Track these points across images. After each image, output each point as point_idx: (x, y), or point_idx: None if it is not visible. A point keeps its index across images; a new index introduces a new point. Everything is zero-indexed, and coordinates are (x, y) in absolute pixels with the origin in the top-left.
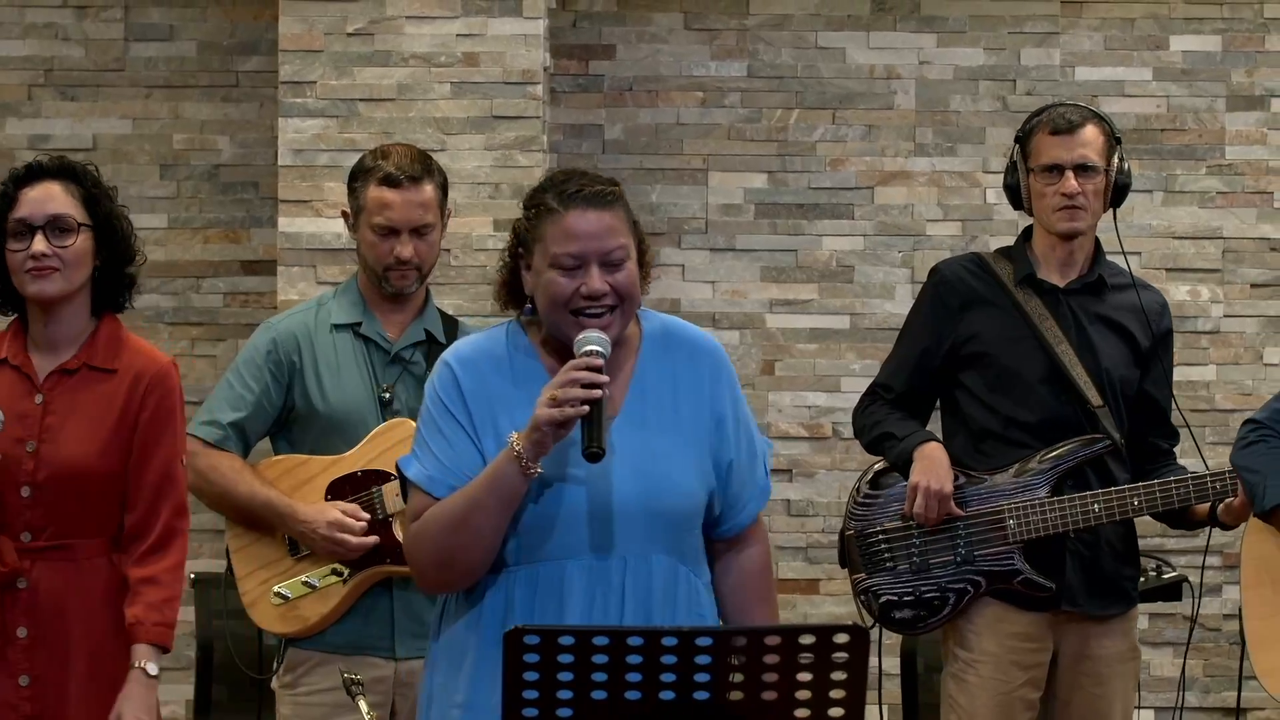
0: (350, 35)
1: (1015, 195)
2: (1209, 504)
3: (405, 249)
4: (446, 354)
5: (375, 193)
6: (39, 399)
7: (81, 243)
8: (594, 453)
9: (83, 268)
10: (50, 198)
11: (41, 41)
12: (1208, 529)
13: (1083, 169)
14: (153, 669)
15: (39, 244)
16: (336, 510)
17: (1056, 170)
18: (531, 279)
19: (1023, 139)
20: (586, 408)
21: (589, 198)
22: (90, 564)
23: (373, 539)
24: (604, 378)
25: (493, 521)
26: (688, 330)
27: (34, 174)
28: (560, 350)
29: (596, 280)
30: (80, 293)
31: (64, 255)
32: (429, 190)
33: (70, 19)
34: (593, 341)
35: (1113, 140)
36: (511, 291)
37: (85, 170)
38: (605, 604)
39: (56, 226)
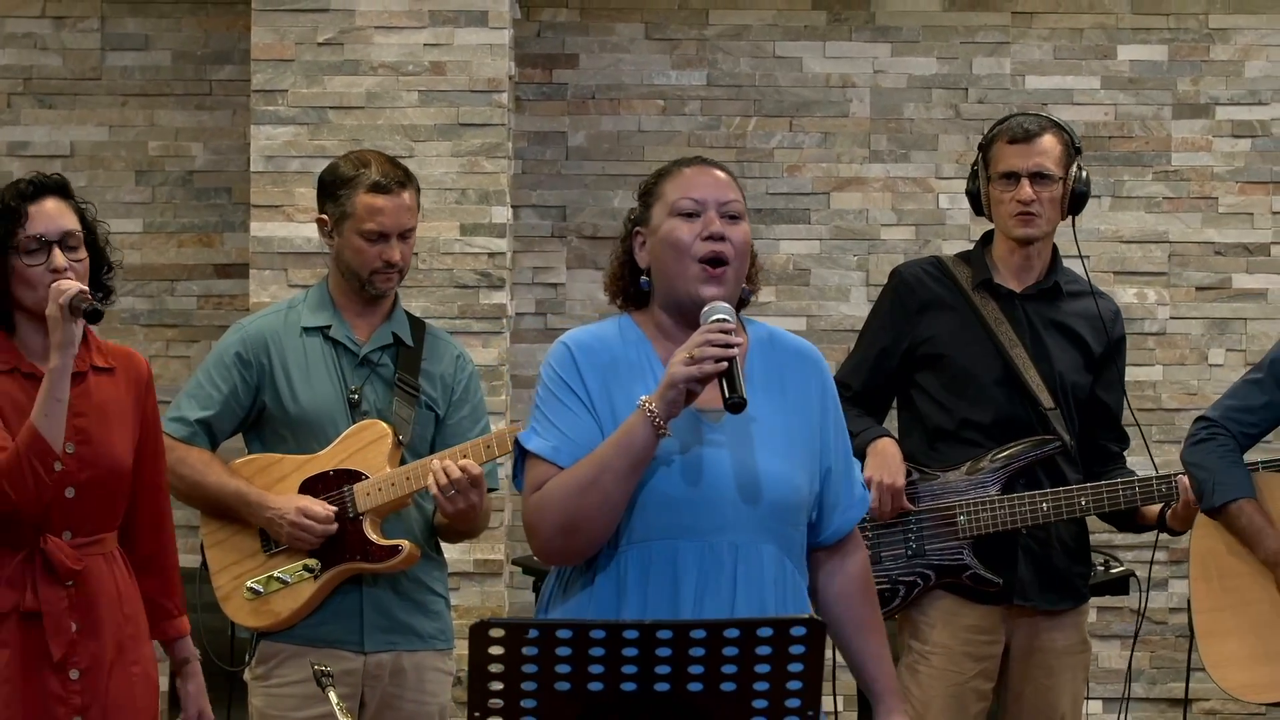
0: (320, 45)
1: (976, 201)
2: (1158, 509)
3: (394, 252)
4: (563, 337)
5: (365, 199)
6: None
7: (84, 256)
8: (736, 402)
9: (84, 280)
10: (61, 214)
11: (20, 51)
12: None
13: (1039, 177)
14: (197, 654)
15: (59, 259)
16: (305, 499)
17: (1013, 178)
18: (650, 245)
19: (984, 147)
20: (724, 364)
21: (706, 159)
22: (111, 555)
23: (333, 527)
24: (738, 338)
25: (621, 484)
26: (794, 338)
27: (40, 191)
28: (674, 330)
29: (716, 222)
30: None
31: (77, 270)
32: (410, 195)
33: (48, 29)
34: (720, 310)
35: (1072, 149)
36: (620, 281)
37: (72, 186)
38: (718, 587)
39: (69, 243)
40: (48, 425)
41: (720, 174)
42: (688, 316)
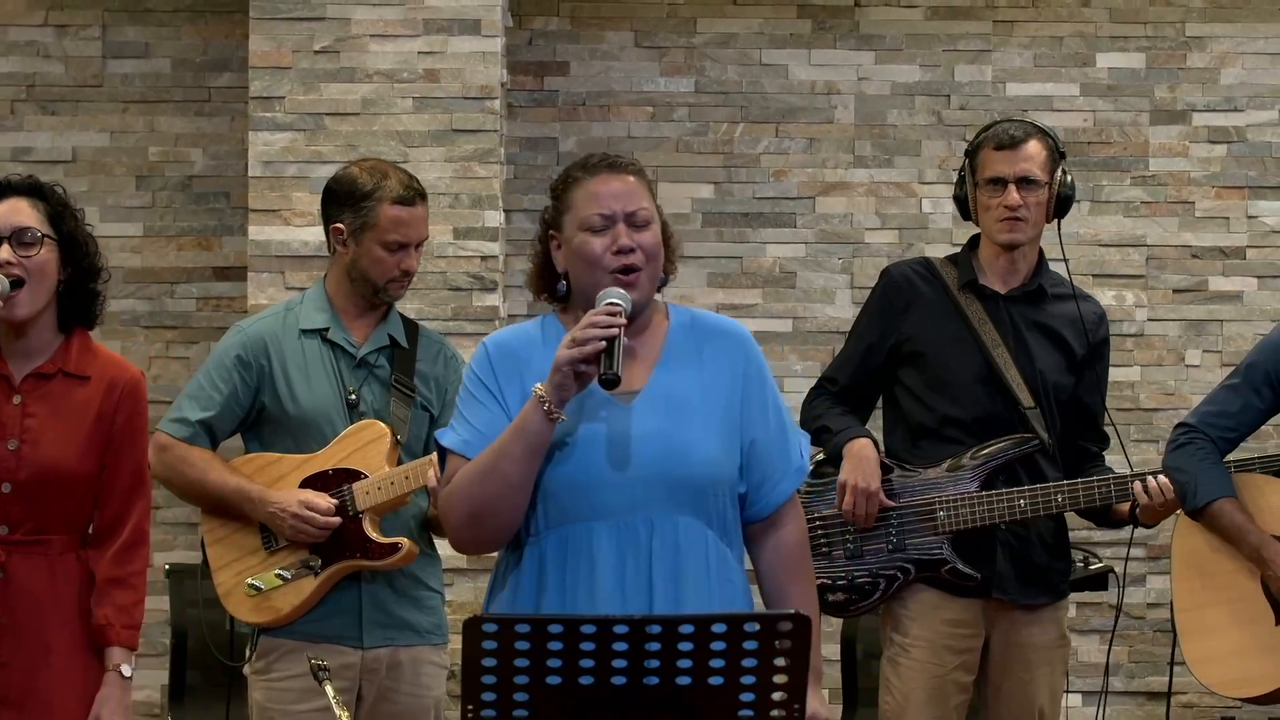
0: (317, 53)
1: (964, 207)
2: (1130, 505)
3: (413, 262)
4: (485, 339)
5: (390, 211)
6: (17, 400)
7: (44, 254)
8: (609, 379)
9: (46, 279)
10: (16, 212)
11: (23, 58)
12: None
13: (1025, 182)
14: (127, 670)
15: (4, 253)
16: (307, 493)
17: (1000, 183)
18: (564, 252)
19: (971, 154)
20: (604, 344)
21: (611, 165)
22: (62, 558)
23: (335, 520)
24: (620, 320)
25: (520, 469)
26: (716, 318)
27: (3, 191)
28: None
29: (625, 235)
30: (47, 306)
31: (28, 264)
32: (426, 207)
33: (51, 37)
34: (613, 295)
35: (1056, 155)
36: (543, 279)
37: (52, 190)
38: (636, 564)
39: (20, 238)
40: None
41: (628, 179)
42: None
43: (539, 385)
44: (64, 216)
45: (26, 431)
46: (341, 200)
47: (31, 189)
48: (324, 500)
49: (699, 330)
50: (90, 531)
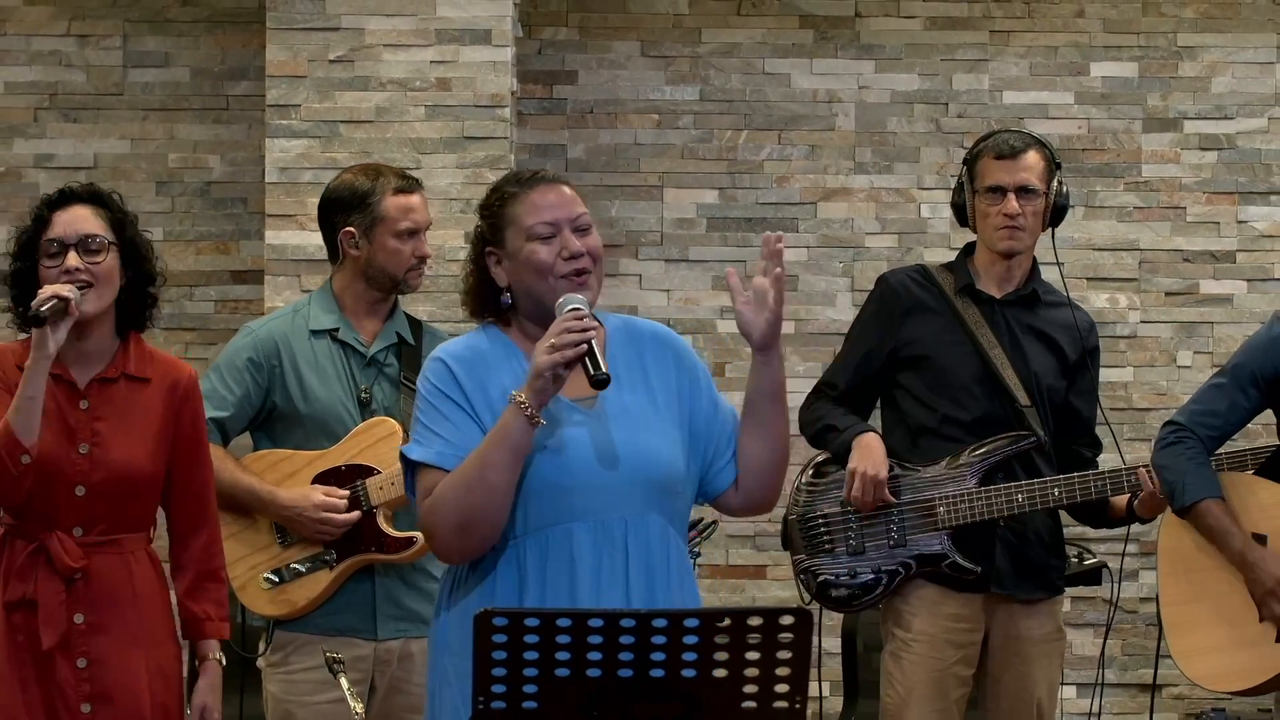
0: (332, 62)
1: (961, 213)
2: (1127, 500)
3: (425, 246)
4: (436, 351)
5: (396, 200)
6: (84, 405)
7: (110, 260)
8: (601, 378)
9: (112, 284)
10: (81, 219)
11: (46, 68)
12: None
13: (1023, 191)
14: (223, 659)
15: (73, 259)
16: (319, 493)
17: (999, 192)
18: (508, 266)
19: (970, 162)
20: (584, 347)
21: (546, 178)
22: (134, 556)
23: (355, 515)
24: (591, 322)
25: (505, 476)
26: (647, 323)
27: (65, 199)
28: (540, 336)
29: (573, 241)
30: (109, 309)
31: (95, 271)
32: (424, 195)
33: (73, 47)
34: (574, 301)
35: (1053, 165)
36: (479, 299)
37: (111, 196)
38: (612, 563)
39: (87, 246)
40: (17, 420)
41: (565, 190)
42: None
43: (516, 392)
44: (125, 223)
45: (96, 435)
46: (346, 205)
47: (94, 196)
48: (338, 499)
49: (635, 336)
50: (170, 527)
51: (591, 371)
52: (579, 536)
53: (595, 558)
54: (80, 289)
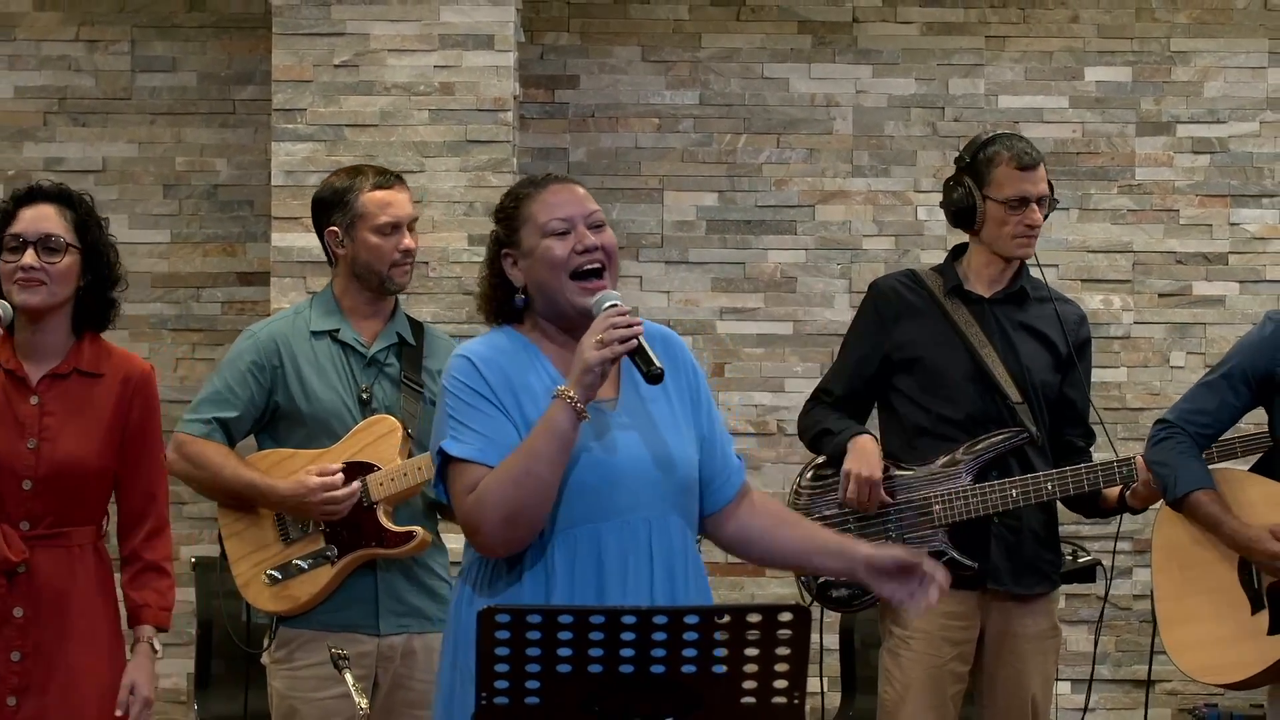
0: (337, 66)
1: (966, 215)
2: (1119, 491)
3: (409, 240)
4: (459, 350)
5: (372, 196)
6: (34, 400)
7: (68, 262)
8: (656, 373)
9: (66, 284)
10: (45, 218)
11: (56, 72)
12: (1118, 516)
13: (1041, 201)
14: (157, 645)
15: (29, 258)
16: (313, 476)
17: (1024, 202)
18: (524, 265)
19: (979, 167)
20: (634, 342)
21: (558, 178)
22: (81, 550)
23: (356, 485)
24: (635, 318)
25: (553, 470)
26: (657, 327)
27: (33, 196)
28: (559, 336)
29: (588, 235)
30: (63, 307)
31: (50, 270)
32: (406, 190)
33: (82, 52)
34: (611, 298)
35: (1046, 170)
36: (495, 301)
37: (80, 198)
38: (638, 564)
39: (47, 245)
40: None
41: (578, 189)
42: (571, 323)
43: (563, 387)
44: (89, 225)
45: (45, 430)
46: (328, 205)
47: (60, 196)
48: (332, 475)
49: (648, 339)
50: (118, 520)
51: (644, 367)
52: (606, 536)
53: (621, 558)
54: (31, 286)
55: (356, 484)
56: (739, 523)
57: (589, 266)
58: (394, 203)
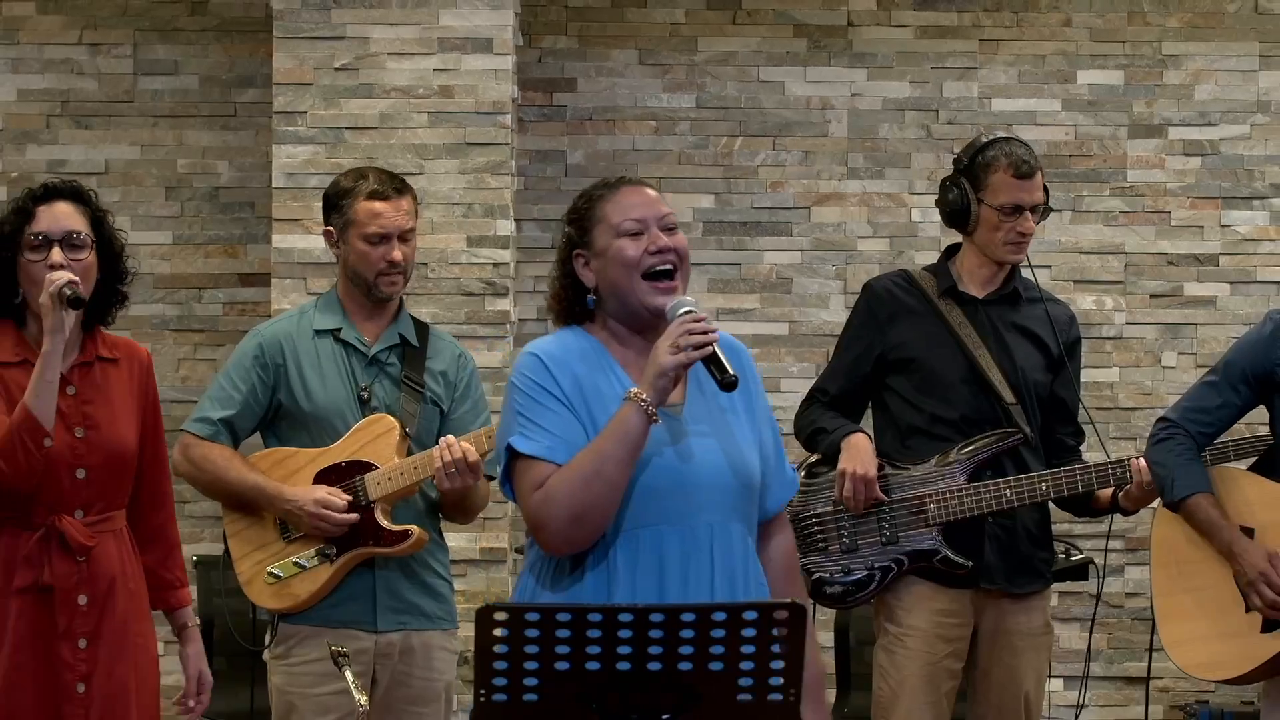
0: (338, 70)
1: (960, 217)
2: (1111, 492)
3: (397, 252)
4: (529, 348)
5: (365, 205)
6: (71, 390)
7: (90, 258)
8: (730, 380)
9: (90, 280)
10: (66, 215)
11: (59, 75)
12: (1110, 516)
13: (1035, 209)
14: (197, 622)
15: (57, 255)
16: (322, 490)
17: (1017, 210)
18: (596, 265)
19: (976, 171)
20: (710, 349)
21: (632, 181)
22: (120, 533)
23: (353, 516)
24: (712, 325)
25: (622, 471)
26: (722, 335)
27: (50, 194)
28: (628, 337)
29: (661, 236)
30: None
31: (76, 268)
32: (408, 201)
33: (85, 55)
34: (687, 304)
35: (1042, 176)
36: (565, 301)
37: (91, 195)
38: (699, 568)
39: (71, 242)
40: (38, 404)
41: (650, 192)
42: (641, 324)
43: (634, 390)
44: (103, 221)
45: (88, 419)
46: (329, 205)
47: (75, 193)
48: (339, 498)
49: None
50: (135, 499)
51: (719, 374)
52: (668, 539)
53: (683, 562)
54: (71, 300)
55: (354, 516)
56: (764, 555)
57: (661, 267)
58: (384, 214)
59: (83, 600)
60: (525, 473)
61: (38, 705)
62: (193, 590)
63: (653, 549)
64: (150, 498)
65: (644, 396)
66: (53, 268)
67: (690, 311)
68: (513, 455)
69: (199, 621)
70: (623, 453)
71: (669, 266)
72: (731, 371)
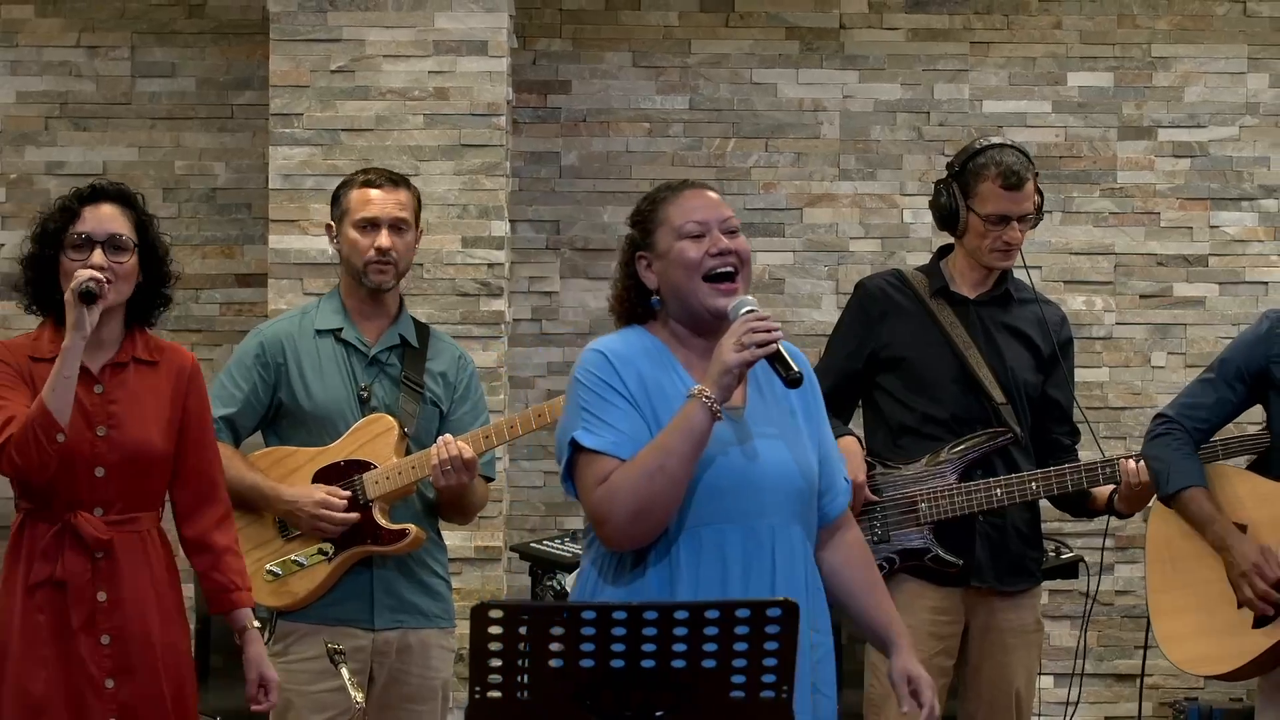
0: (334, 72)
1: (950, 219)
2: (1108, 493)
3: (384, 239)
4: (594, 344)
5: (357, 194)
6: (99, 389)
7: (132, 261)
8: (794, 378)
9: (130, 282)
10: (110, 218)
11: (57, 78)
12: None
13: (1022, 218)
14: (257, 624)
15: (98, 257)
16: (322, 491)
17: (1004, 220)
18: (658, 267)
19: (967, 178)
20: (774, 347)
21: (695, 184)
22: (149, 534)
23: (354, 515)
24: (776, 324)
25: (685, 468)
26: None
27: (97, 195)
28: (690, 339)
29: (723, 238)
30: (122, 304)
31: (117, 270)
32: (404, 194)
33: (83, 57)
34: (749, 303)
35: (1036, 181)
36: (628, 302)
37: (137, 198)
38: (760, 568)
39: (114, 244)
40: (54, 399)
41: (712, 195)
42: (702, 325)
43: (698, 387)
44: (148, 225)
45: (112, 418)
46: (332, 201)
47: (121, 196)
48: (339, 498)
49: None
50: (177, 506)
51: (783, 372)
52: (730, 538)
53: (745, 561)
54: (83, 294)
55: (354, 515)
56: (831, 553)
57: (722, 269)
58: (374, 200)
59: (102, 597)
60: (588, 467)
61: (58, 698)
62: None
63: (715, 547)
64: (193, 505)
65: (709, 394)
66: (91, 268)
67: (753, 310)
68: (576, 449)
69: (258, 624)
70: (687, 449)
71: (730, 269)
72: (796, 369)
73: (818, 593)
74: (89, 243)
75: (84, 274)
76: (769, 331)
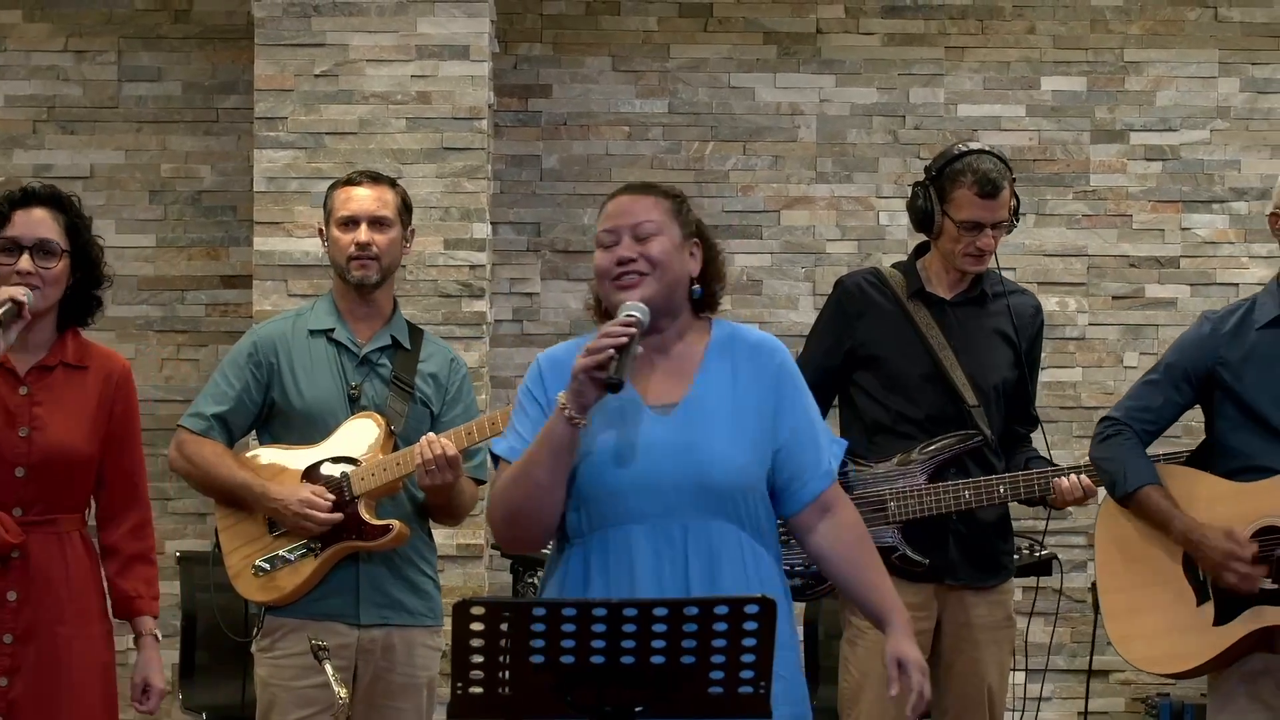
0: (318, 76)
1: (925, 220)
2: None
3: (363, 234)
4: (540, 355)
5: (340, 193)
6: (24, 390)
7: (61, 266)
8: (611, 382)
9: (59, 287)
10: (40, 222)
11: (44, 81)
12: (1070, 510)
13: (998, 225)
14: (158, 633)
15: (25, 262)
16: (307, 490)
17: (977, 227)
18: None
19: (943, 182)
20: (611, 351)
21: (627, 188)
22: (69, 536)
23: (337, 516)
24: (633, 329)
25: (546, 474)
26: (752, 333)
27: (28, 198)
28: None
29: (625, 248)
30: (53, 307)
31: (45, 275)
32: (386, 192)
33: (70, 61)
34: (630, 307)
35: (1013, 187)
36: (594, 310)
37: (70, 201)
38: (673, 568)
39: (43, 249)
40: None
41: (635, 199)
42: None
43: (561, 394)
44: (80, 229)
45: (35, 419)
46: (323, 206)
47: (53, 199)
48: (324, 498)
49: (735, 344)
50: (99, 510)
51: (607, 375)
52: (637, 539)
53: (655, 561)
54: (4, 311)
55: (337, 516)
56: (818, 538)
57: (624, 275)
58: (353, 198)
59: (12, 596)
60: (498, 472)
61: None
62: (175, 585)
63: (622, 548)
64: (112, 510)
65: (563, 401)
66: (18, 274)
67: (627, 315)
68: (493, 457)
69: (159, 635)
70: (544, 455)
71: (631, 276)
72: (616, 376)
73: (762, 585)
74: (17, 247)
75: (4, 293)
76: (618, 335)
